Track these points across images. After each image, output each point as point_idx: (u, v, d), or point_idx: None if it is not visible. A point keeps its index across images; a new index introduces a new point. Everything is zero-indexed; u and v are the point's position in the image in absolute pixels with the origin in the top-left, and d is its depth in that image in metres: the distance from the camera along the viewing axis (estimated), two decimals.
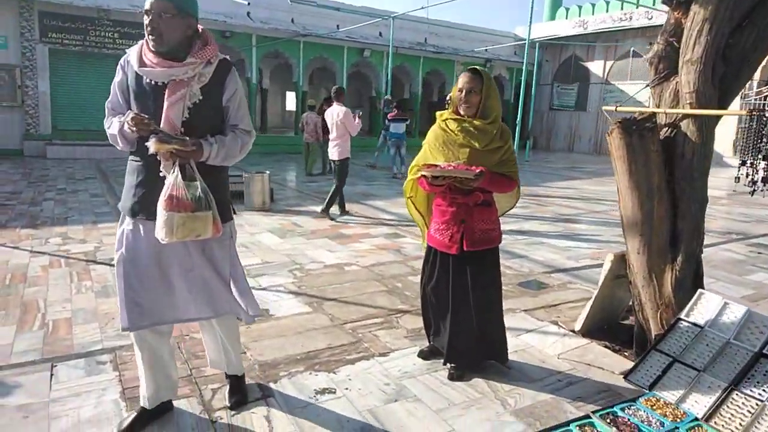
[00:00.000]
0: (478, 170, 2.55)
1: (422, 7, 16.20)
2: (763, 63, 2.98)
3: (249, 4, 15.93)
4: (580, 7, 21.15)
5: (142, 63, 2.04)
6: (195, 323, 2.45)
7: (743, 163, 2.97)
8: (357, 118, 7.27)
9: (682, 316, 2.79)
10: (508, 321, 3.53)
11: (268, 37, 16.99)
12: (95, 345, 3.05)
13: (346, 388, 2.66)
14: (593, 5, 20.53)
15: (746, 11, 2.79)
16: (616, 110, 3.27)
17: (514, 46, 22.12)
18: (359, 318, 3.59)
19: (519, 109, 15.37)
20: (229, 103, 2.18)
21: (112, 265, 2.19)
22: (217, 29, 15.76)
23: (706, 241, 3.12)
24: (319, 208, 7.34)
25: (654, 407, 2.39)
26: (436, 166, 2.64)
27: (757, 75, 12.99)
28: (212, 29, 15.68)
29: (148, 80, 2.04)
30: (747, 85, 3.14)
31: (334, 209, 7.27)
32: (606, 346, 3.24)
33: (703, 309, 2.77)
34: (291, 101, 23.50)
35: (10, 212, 6.79)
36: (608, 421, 2.27)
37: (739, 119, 17.02)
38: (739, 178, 3.09)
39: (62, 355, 2.93)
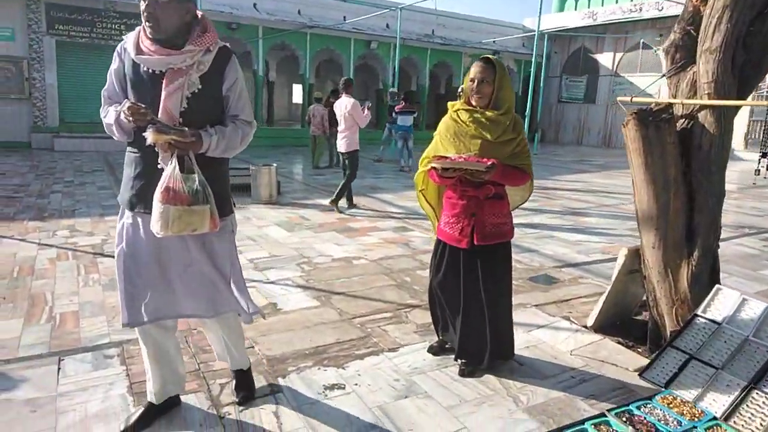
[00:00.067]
0: (489, 162, 2.49)
1: None
2: None
3: None
4: None
5: (139, 50, 1.96)
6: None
7: (764, 155, 2.89)
8: (366, 110, 7.21)
9: (699, 312, 2.73)
10: (519, 316, 3.50)
11: (275, 28, 16.91)
12: (102, 339, 3.03)
13: (356, 384, 2.63)
14: None
15: None
16: (631, 101, 3.20)
17: (522, 37, 21.90)
18: (368, 312, 3.55)
19: (528, 101, 15.23)
20: (230, 93, 2.10)
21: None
22: (223, 21, 15.70)
23: None
24: (326, 201, 7.30)
25: (671, 405, 2.33)
26: (446, 157, 2.58)
27: None
28: (218, 21, 15.73)
29: (145, 68, 1.97)
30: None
31: (342, 202, 7.23)
32: (619, 342, 3.18)
33: (720, 305, 2.70)
34: (298, 94, 23.45)
35: (17, 205, 6.79)
36: (624, 419, 2.22)
37: (751, 112, 16.82)
38: (759, 170, 3.01)
39: (69, 348, 2.91)
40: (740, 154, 16.12)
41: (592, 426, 2.17)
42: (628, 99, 3.21)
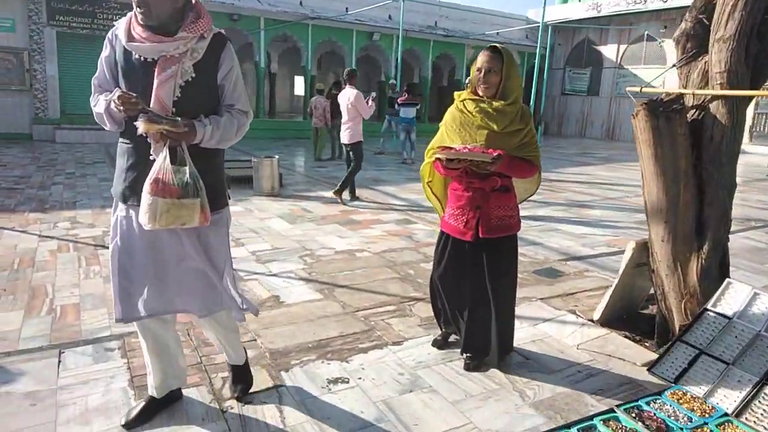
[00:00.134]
0: (495, 153, 2.44)
1: None
2: None
3: None
4: None
5: (130, 37, 1.89)
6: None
7: None
8: (371, 101, 7.16)
9: (709, 306, 2.68)
10: (525, 309, 3.46)
11: (277, 20, 16.78)
12: (103, 331, 2.99)
13: (360, 378, 2.59)
14: None
15: None
16: (641, 91, 3.13)
17: (525, 29, 21.73)
18: (371, 305, 3.52)
19: (531, 93, 15.12)
20: (225, 81, 2.02)
21: None
22: (225, 12, 15.57)
23: None
24: (328, 195, 7.25)
25: (681, 401, 2.29)
26: (451, 148, 2.52)
27: None
28: (220, 12, 15.59)
29: (136, 56, 1.90)
30: None
31: (345, 194, 7.18)
32: (626, 337, 3.14)
33: (731, 299, 2.66)
34: (299, 86, 23.32)
35: (19, 196, 6.76)
36: (633, 415, 2.18)
37: (757, 104, 16.68)
38: None
39: (70, 341, 2.88)
40: (745, 147, 16.01)
41: (601, 422, 2.13)
42: (637, 89, 3.14)
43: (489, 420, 2.29)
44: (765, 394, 2.23)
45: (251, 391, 2.43)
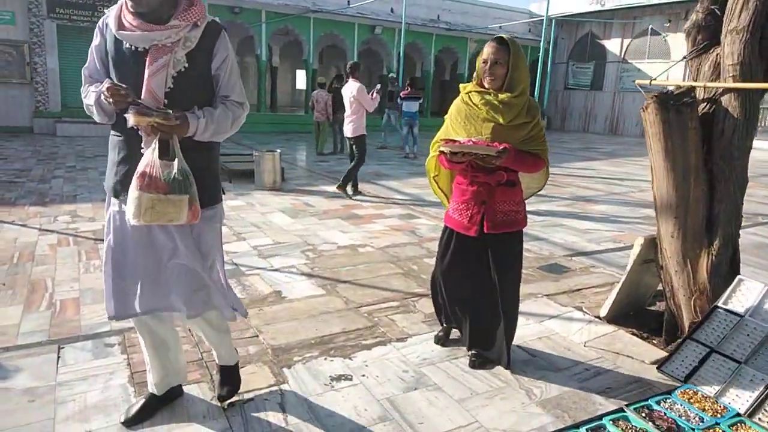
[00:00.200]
0: (501, 147, 2.37)
1: None
2: None
3: None
4: None
5: (120, 25, 1.81)
6: None
7: None
8: (375, 94, 7.10)
9: (720, 303, 2.63)
10: (530, 306, 3.41)
11: (278, 13, 16.68)
12: (103, 326, 2.95)
13: (363, 375, 2.55)
14: None
15: None
16: (650, 84, 3.07)
17: (528, 23, 21.60)
18: (374, 301, 3.47)
19: (535, 88, 15.02)
20: (219, 71, 1.93)
21: None
22: (226, 5, 15.47)
23: None
24: (330, 189, 7.20)
25: (691, 401, 2.25)
26: (455, 141, 2.46)
27: None
28: (221, 5, 15.48)
29: (127, 45, 1.82)
30: None
31: (348, 188, 7.13)
32: (634, 334, 3.09)
33: (742, 297, 2.60)
34: (301, 79, 23.23)
35: (19, 190, 6.71)
36: (643, 415, 2.13)
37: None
38: None
39: (69, 336, 2.84)
40: None
41: (611, 422, 2.09)
42: (647, 82, 3.08)
43: (495, 419, 2.25)
44: None
45: (252, 389, 2.39)
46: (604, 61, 21.09)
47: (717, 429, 2.07)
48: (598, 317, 3.29)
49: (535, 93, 14.76)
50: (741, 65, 2.63)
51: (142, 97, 1.79)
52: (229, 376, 2.32)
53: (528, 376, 2.58)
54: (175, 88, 1.84)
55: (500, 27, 20.75)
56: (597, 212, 6.70)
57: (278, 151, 7.63)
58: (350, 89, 6.83)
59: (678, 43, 18.46)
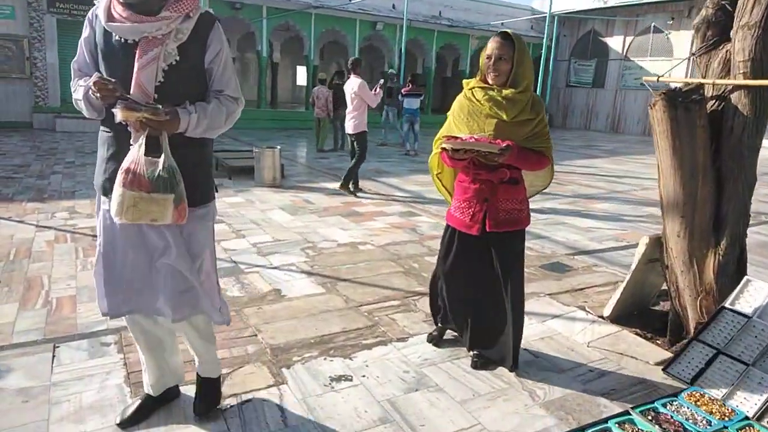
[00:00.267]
0: (504, 144, 2.32)
1: None
2: None
3: None
4: None
5: (110, 17, 1.74)
6: None
7: None
8: (378, 89, 7.05)
9: (727, 304, 2.58)
10: (533, 305, 3.37)
11: (279, 8, 16.58)
12: (99, 325, 2.90)
13: (363, 376, 2.50)
14: None
15: None
16: (657, 80, 3.02)
17: (530, 20, 21.48)
18: (375, 300, 3.42)
19: (537, 85, 14.95)
20: (213, 65, 1.85)
21: None
22: (227, 0, 15.39)
23: None
24: (331, 186, 7.15)
25: (698, 403, 2.20)
26: (457, 138, 2.41)
27: None
28: (222, 0, 15.33)
29: (117, 37, 1.75)
30: None
31: (350, 186, 7.07)
32: (637, 334, 3.05)
33: (750, 298, 2.56)
34: (302, 75, 23.14)
35: (17, 185, 6.67)
36: (649, 418, 2.09)
37: None
38: None
39: (65, 335, 2.79)
40: None
41: (616, 425, 2.05)
42: (654, 79, 3.03)
43: (498, 421, 2.20)
44: None
45: (250, 390, 2.35)
46: (606, 58, 20.99)
47: None
48: (601, 317, 3.25)
49: (538, 90, 14.68)
50: (752, 62, 2.58)
51: (131, 91, 1.73)
52: (210, 390, 2.19)
53: (531, 378, 2.54)
54: (165, 82, 1.77)
55: (502, 24, 20.62)
56: (599, 210, 6.65)
57: (278, 147, 7.57)
58: (352, 85, 6.78)
59: (681, 40, 18.37)
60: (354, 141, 6.90)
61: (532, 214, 2.70)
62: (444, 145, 2.41)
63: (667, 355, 2.79)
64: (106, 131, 1.88)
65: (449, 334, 2.89)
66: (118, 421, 2.07)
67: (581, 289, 3.77)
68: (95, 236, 4.61)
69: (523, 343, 2.81)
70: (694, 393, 2.28)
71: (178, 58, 1.77)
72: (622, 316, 3.22)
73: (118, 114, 1.66)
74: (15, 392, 2.26)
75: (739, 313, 2.52)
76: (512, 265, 2.56)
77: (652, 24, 19.12)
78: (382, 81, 7.74)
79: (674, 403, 2.21)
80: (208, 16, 1.85)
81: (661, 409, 2.15)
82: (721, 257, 2.74)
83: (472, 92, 2.51)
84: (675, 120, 2.66)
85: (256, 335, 2.86)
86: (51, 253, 4.11)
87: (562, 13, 20.33)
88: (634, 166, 11.32)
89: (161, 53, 1.74)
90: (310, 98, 12.12)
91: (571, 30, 22.13)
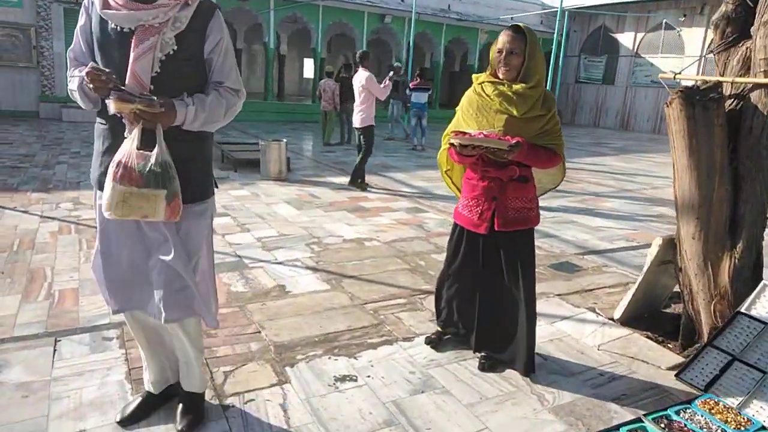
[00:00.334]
0: (514, 141, 2.26)
1: None
2: None
3: None
4: None
5: (105, 4, 1.68)
6: None
7: None
8: (388, 81, 6.98)
9: (743, 309, 2.51)
10: (542, 306, 3.30)
11: (287, 0, 16.47)
12: (102, 319, 2.87)
13: (368, 376, 2.46)
14: None
15: None
16: (674, 78, 2.93)
17: (540, 15, 21.26)
18: (381, 298, 3.37)
19: (547, 81, 14.81)
20: (212, 55, 1.78)
21: None
22: None
23: None
24: (337, 180, 7.09)
25: (713, 411, 2.14)
26: (466, 133, 2.34)
27: None
28: None
29: (113, 25, 1.68)
30: None
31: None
32: (648, 337, 2.99)
33: (767, 303, 2.48)
34: (309, 68, 23.03)
35: (22, 175, 6.65)
36: (662, 425, 2.03)
37: None
38: None
39: (67, 328, 2.76)
40: None
41: None
42: (670, 76, 2.94)
43: (506, 425, 2.15)
44: None
45: (253, 389, 2.30)
46: (617, 55, 20.76)
47: None
48: (612, 319, 3.19)
49: (548, 86, 14.55)
50: None
51: (127, 82, 1.67)
52: (194, 406, 2.07)
53: (540, 381, 2.48)
54: (162, 73, 1.70)
55: (512, 18, 20.42)
56: (609, 209, 6.56)
57: (284, 140, 7.52)
58: (360, 79, 6.71)
59: (693, 38, 18.13)
60: (361, 135, 6.84)
61: (541, 212, 2.64)
62: (452, 141, 2.34)
63: (679, 359, 2.73)
64: (102, 123, 1.82)
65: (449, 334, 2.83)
66: (118, 419, 2.03)
67: (591, 289, 3.71)
68: None
69: None
70: (708, 400, 2.22)
71: (175, 47, 1.71)
72: (632, 319, 3.16)
73: (111, 105, 1.60)
74: (15, 386, 2.23)
75: (756, 319, 2.45)
76: (522, 265, 2.50)
77: (664, 20, 18.88)
78: (391, 73, 7.64)
79: (688, 410, 2.15)
80: (208, 3, 1.78)
81: (675, 417, 2.09)
82: (736, 260, 2.67)
83: (482, 87, 2.45)
84: (692, 119, 2.58)
85: (259, 332, 2.82)
86: (54, 244, 4.08)
87: (573, 8, 20.10)
88: (645, 164, 11.19)
89: (158, 42, 1.67)
90: (317, 91, 12.04)
91: (581, 25, 21.90)
